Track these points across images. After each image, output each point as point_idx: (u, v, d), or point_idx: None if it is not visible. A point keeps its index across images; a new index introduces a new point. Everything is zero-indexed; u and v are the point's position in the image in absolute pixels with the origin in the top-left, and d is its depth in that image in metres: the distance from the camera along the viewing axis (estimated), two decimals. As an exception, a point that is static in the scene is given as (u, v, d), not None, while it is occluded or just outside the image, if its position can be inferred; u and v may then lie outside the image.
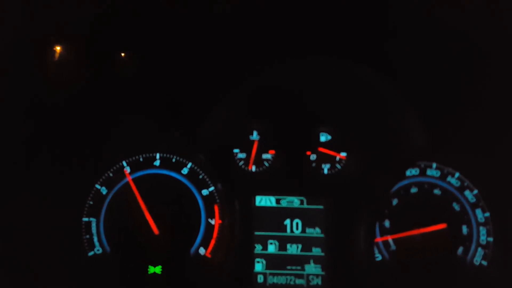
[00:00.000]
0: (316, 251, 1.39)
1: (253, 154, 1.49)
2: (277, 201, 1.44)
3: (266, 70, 1.46)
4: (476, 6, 1.13)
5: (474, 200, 1.43)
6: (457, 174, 1.46)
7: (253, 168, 1.49)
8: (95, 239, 1.38)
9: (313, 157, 1.50)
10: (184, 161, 1.47)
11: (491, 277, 1.37)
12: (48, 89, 1.30)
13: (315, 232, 1.41)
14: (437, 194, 1.44)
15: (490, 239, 1.40)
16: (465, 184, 1.45)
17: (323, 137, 1.53)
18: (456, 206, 1.43)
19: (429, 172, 1.46)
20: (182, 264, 1.37)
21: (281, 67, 1.44)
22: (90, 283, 1.34)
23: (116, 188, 1.43)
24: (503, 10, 1.12)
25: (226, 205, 1.43)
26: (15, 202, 1.26)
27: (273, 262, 1.38)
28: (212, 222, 1.41)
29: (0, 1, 1.08)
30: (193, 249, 1.39)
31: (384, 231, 1.41)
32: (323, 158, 1.50)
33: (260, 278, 1.37)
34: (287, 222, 1.42)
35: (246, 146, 1.50)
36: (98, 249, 1.38)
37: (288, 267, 1.38)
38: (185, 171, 1.46)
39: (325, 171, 1.49)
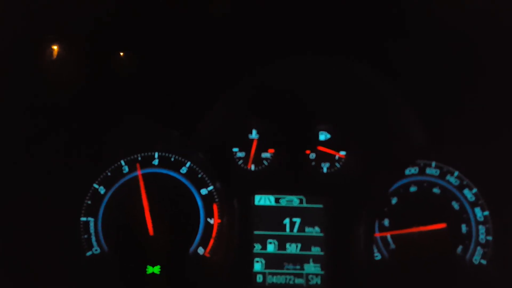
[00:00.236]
0: (316, 250, 1.39)
1: (252, 153, 1.49)
2: (276, 200, 1.43)
3: (265, 69, 1.45)
4: (475, 6, 1.13)
5: (473, 198, 1.43)
6: (456, 173, 1.45)
7: (252, 167, 1.48)
8: (93, 239, 1.38)
9: (312, 156, 1.50)
10: (183, 160, 1.46)
11: (490, 276, 1.37)
12: (47, 89, 1.29)
13: (314, 231, 1.40)
14: (436, 193, 1.44)
15: (489, 237, 1.40)
16: (465, 182, 1.45)
17: (323, 136, 1.52)
18: (455, 205, 1.43)
19: (428, 171, 1.46)
20: (180, 264, 1.37)
21: (280, 66, 1.43)
22: (88, 283, 1.33)
23: (114, 188, 1.42)
24: (503, 10, 1.11)
25: (225, 204, 1.42)
26: (13, 202, 1.26)
27: (272, 261, 1.38)
28: (211, 221, 1.40)
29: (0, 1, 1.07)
30: (192, 249, 1.38)
31: (383, 230, 1.41)
32: (322, 157, 1.49)
33: (259, 278, 1.36)
34: (286, 221, 1.41)
35: (245, 145, 1.50)
36: (96, 249, 1.37)
37: (287, 267, 1.38)
38: (184, 170, 1.45)
39: (325, 170, 1.49)
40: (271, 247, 1.39)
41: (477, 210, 1.42)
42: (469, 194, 1.44)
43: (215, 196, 1.43)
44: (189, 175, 1.45)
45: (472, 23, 1.18)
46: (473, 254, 1.39)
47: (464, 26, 1.19)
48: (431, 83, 1.33)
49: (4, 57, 1.17)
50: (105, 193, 1.41)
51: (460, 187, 1.45)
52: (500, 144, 1.36)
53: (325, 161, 1.49)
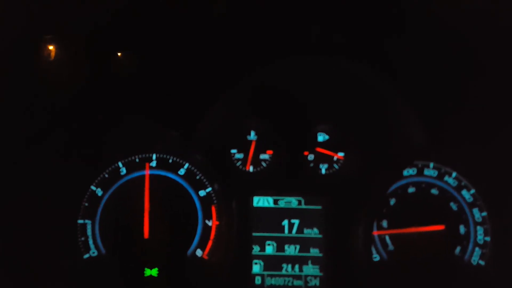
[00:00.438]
0: (314, 251, 1.39)
1: (251, 155, 1.48)
2: (275, 202, 1.43)
3: (264, 70, 1.45)
4: (475, 6, 1.13)
5: (471, 199, 1.44)
6: (454, 174, 1.46)
7: (251, 169, 1.48)
8: (91, 241, 1.37)
9: (310, 157, 1.50)
10: (181, 161, 1.45)
11: (489, 277, 1.37)
12: (46, 89, 1.29)
13: (313, 232, 1.40)
14: (434, 194, 1.44)
15: (488, 238, 1.40)
16: (463, 183, 1.45)
17: (321, 137, 1.52)
18: (453, 206, 1.43)
19: (426, 172, 1.46)
20: (179, 266, 1.36)
21: (279, 67, 1.43)
22: (86, 286, 1.32)
23: (112, 189, 1.41)
24: (502, 10, 1.12)
25: (223, 206, 1.42)
26: (11, 205, 1.25)
27: (271, 263, 1.37)
28: (209, 223, 1.40)
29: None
30: (190, 251, 1.37)
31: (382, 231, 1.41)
32: (320, 158, 1.49)
33: (258, 280, 1.36)
34: (285, 222, 1.41)
35: (244, 146, 1.49)
36: (93, 252, 1.36)
37: (286, 268, 1.37)
38: (182, 171, 1.44)
39: (323, 171, 1.48)
40: (269, 249, 1.39)
41: (475, 211, 1.43)
42: (467, 195, 1.44)
43: (214, 198, 1.43)
44: (187, 176, 1.44)
45: (471, 23, 1.18)
46: (471, 255, 1.40)
47: (463, 26, 1.20)
48: (430, 83, 1.34)
49: (2, 57, 1.16)
50: (103, 195, 1.40)
51: (458, 188, 1.45)
52: (498, 145, 1.37)
53: (323, 162, 1.49)
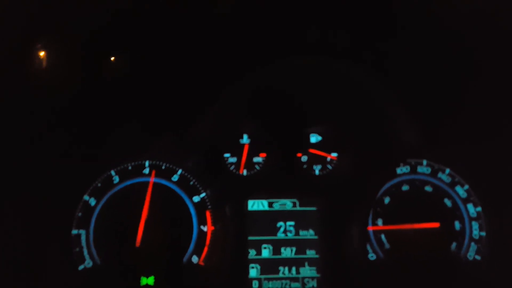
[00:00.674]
0: (311, 253, 1.38)
1: (244, 158, 1.48)
2: (270, 205, 1.43)
3: (255, 73, 1.45)
4: (474, 7, 1.13)
5: (465, 195, 1.44)
6: (447, 170, 1.46)
7: (245, 172, 1.47)
8: (85, 252, 1.35)
9: (304, 158, 1.49)
10: (174, 167, 1.44)
11: (486, 272, 1.37)
12: (36, 97, 1.27)
13: (308, 234, 1.40)
14: (428, 191, 1.44)
15: (483, 233, 1.40)
16: (456, 179, 1.45)
17: (314, 138, 1.52)
18: (447, 202, 1.43)
19: (419, 169, 1.46)
20: (175, 274, 1.35)
21: (269, 70, 1.43)
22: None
23: (105, 199, 1.40)
24: (502, 10, 1.12)
25: (218, 211, 1.41)
26: (3, 218, 1.23)
27: (267, 266, 1.37)
28: (205, 229, 1.39)
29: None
30: (185, 258, 1.36)
31: (377, 230, 1.41)
32: (314, 159, 1.49)
33: (255, 284, 1.35)
34: (281, 225, 1.41)
35: (237, 150, 1.49)
36: (88, 262, 1.35)
37: (283, 271, 1.37)
38: (175, 178, 1.43)
39: (317, 172, 1.48)
40: (266, 252, 1.38)
41: (470, 206, 1.43)
42: (461, 190, 1.44)
43: (208, 203, 1.42)
44: (181, 182, 1.43)
45: (469, 22, 1.18)
46: (467, 250, 1.40)
47: (460, 26, 1.20)
48: (422, 81, 1.34)
49: None
50: (96, 204, 1.39)
51: (452, 184, 1.45)
52: (490, 140, 1.37)
53: (317, 164, 1.49)
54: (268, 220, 1.41)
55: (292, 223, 1.41)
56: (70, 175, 1.38)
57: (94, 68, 1.36)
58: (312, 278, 1.37)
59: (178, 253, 1.36)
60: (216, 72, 1.43)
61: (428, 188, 1.45)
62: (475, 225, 1.41)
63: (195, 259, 1.37)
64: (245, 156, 1.48)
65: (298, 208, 1.42)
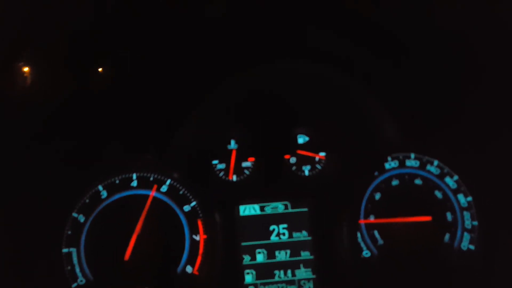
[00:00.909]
0: (305, 254, 1.38)
1: (232, 164, 1.47)
2: (261, 209, 1.42)
3: (238, 78, 1.45)
4: (473, 7, 1.14)
5: (455, 186, 1.44)
6: (436, 162, 1.46)
7: (234, 178, 1.47)
8: (77, 269, 1.33)
9: (292, 160, 1.49)
10: (163, 178, 1.43)
11: (480, 261, 1.38)
12: (19, 113, 1.25)
13: (302, 235, 1.39)
14: (418, 184, 1.44)
15: (475, 223, 1.41)
16: (445, 171, 1.46)
17: (301, 139, 1.52)
18: (438, 194, 1.44)
19: (408, 163, 1.46)
20: (169, 285, 1.34)
21: (253, 74, 1.43)
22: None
23: (94, 214, 1.38)
24: (502, 11, 1.12)
25: (209, 219, 1.40)
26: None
27: (263, 271, 1.36)
28: (197, 238, 1.38)
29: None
30: (179, 268, 1.35)
31: (370, 227, 1.41)
32: (302, 160, 1.49)
33: (252, 289, 1.35)
34: (274, 228, 1.40)
35: (225, 156, 1.48)
36: (81, 280, 1.33)
37: (279, 275, 1.36)
38: (164, 188, 1.42)
39: (306, 173, 1.48)
40: (260, 257, 1.38)
41: (460, 197, 1.43)
42: (450, 181, 1.45)
43: (199, 212, 1.41)
44: (170, 193, 1.42)
45: (466, 22, 1.19)
46: (460, 241, 1.40)
47: (457, 25, 1.20)
48: (408, 75, 1.35)
49: None
50: (85, 221, 1.37)
51: (441, 176, 1.45)
52: (477, 129, 1.38)
53: (306, 164, 1.48)
54: (261, 224, 1.40)
55: (285, 225, 1.40)
56: (57, 192, 1.36)
57: (77, 80, 1.35)
58: (308, 279, 1.36)
59: (172, 264, 1.35)
60: (200, 80, 1.42)
61: (418, 181, 1.45)
62: (466, 215, 1.42)
63: (189, 269, 1.35)
64: (233, 161, 1.47)
65: (290, 210, 1.42)
